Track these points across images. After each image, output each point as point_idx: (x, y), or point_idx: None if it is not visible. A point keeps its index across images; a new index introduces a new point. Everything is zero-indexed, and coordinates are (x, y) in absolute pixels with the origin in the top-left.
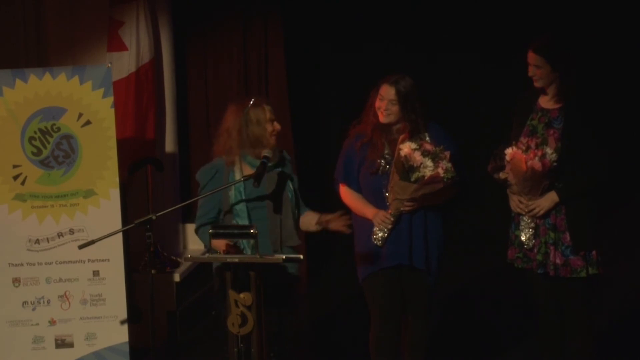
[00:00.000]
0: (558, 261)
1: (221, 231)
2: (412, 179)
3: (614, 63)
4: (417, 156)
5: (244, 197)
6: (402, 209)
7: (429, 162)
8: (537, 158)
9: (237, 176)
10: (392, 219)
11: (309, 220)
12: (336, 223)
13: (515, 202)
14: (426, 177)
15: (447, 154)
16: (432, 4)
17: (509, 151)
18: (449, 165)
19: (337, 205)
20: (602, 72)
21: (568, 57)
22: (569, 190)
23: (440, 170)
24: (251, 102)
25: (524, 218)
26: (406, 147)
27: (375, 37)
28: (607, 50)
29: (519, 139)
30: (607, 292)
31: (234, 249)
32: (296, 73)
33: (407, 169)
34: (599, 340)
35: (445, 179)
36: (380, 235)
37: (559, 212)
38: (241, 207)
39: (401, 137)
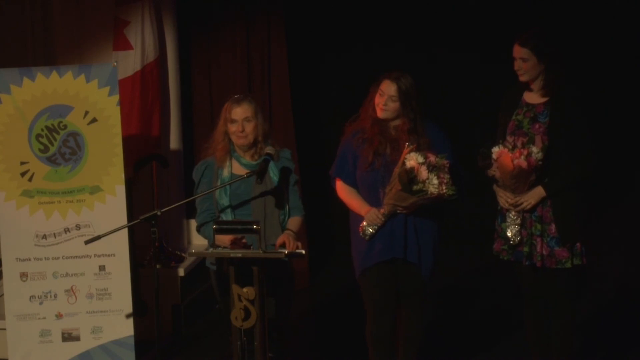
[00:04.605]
0: (544, 252)
1: (224, 227)
2: (414, 189)
3: (604, 60)
4: (424, 172)
5: (227, 195)
6: (396, 210)
7: (434, 180)
8: (522, 157)
9: (225, 173)
10: (383, 219)
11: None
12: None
13: (503, 198)
14: (429, 194)
15: (447, 163)
16: (432, 4)
17: (495, 150)
18: (449, 177)
19: (338, 202)
20: (590, 68)
21: (554, 51)
22: (555, 184)
23: (443, 187)
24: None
25: (510, 214)
26: (412, 160)
27: (376, 36)
28: (597, 46)
29: (505, 135)
30: (594, 285)
31: (239, 244)
32: (298, 72)
33: (410, 179)
34: (582, 330)
35: (446, 195)
36: (368, 230)
37: (544, 204)
38: (225, 205)
39: (408, 148)
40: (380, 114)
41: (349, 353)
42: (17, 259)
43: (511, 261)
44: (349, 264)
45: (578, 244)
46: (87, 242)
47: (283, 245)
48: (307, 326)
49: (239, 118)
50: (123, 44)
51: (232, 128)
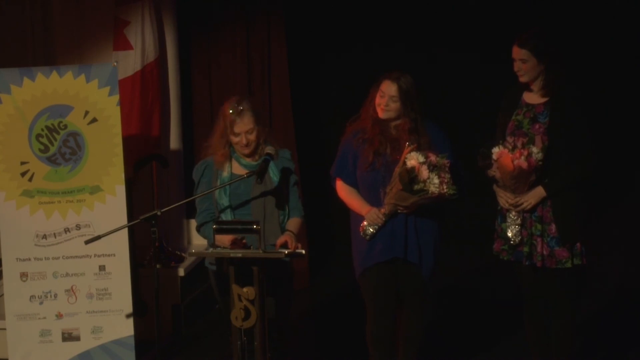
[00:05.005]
0: (545, 252)
1: (224, 227)
2: (415, 189)
3: (604, 60)
4: (424, 171)
5: (226, 195)
6: (397, 210)
7: (435, 180)
8: (523, 157)
9: (225, 173)
10: (383, 219)
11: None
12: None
13: (503, 198)
14: (430, 194)
15: (448, 163)
16: (432, 4)
17: (496, 150)
18: (449, 176)
19: (338, 202)
20: (590, 68)
21: (554, 51)
22: (556, 184)
23: (444, 187)
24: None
25: (511, 215)
26: (413, 160)
27: (376, 36)
28: (597, 46)
29: (504, 135)
30: (594, 285)
31: (239, 244)
32: (298, 72)
33: (411, 179)
34: (582, 330)
35: (447, 195)
36: (369, 230)
37: (544, 204)
38: (225, 205)
39: (409, 148)
40: (381, 114)
41: (349, 353)
42: (17, 259)
43: (511, 261)
44: (349, 264)
45: (578, 244)
46: (87, 242)
47: (284, 245)
48: (307, 326)
49: (242, 132)
50: (123, 44)
51: (235, 139)
